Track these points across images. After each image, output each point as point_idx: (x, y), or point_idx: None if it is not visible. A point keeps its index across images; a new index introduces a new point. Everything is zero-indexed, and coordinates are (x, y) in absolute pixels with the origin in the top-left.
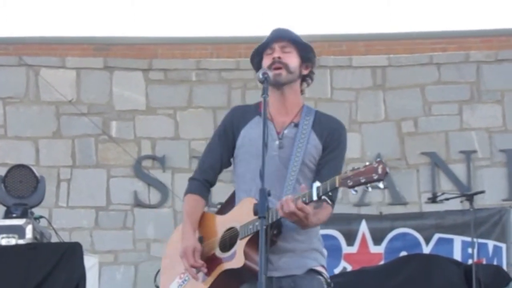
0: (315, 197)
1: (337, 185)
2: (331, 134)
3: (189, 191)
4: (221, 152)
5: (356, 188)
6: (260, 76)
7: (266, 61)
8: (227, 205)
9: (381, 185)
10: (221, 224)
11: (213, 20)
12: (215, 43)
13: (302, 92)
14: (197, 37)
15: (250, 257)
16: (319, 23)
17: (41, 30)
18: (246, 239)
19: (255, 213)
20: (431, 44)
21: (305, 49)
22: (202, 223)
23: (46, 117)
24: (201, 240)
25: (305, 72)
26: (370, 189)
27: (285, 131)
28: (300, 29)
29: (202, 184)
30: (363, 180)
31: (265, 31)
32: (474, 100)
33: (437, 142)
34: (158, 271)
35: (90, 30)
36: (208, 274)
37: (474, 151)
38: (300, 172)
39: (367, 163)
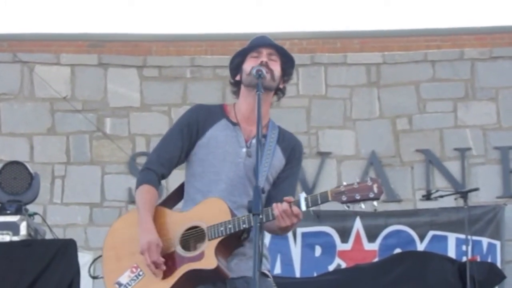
0: (303, 208)
1: (329, 199)
2: (293, 151)
3: (146, 181)
4: (182, 147)
5: (348, 204)
6: (254, 72)
7: (250, 64)
8: (171, 200)
9: (375, 203)
10: (180, 221)
11: (207, 17)
12: (210, 40)
13: (271, 104)
14: (191, 34)
15: (219, 259)
16: (314, 20)
17: (35, 27)
18: (217, 240)
19: (249, 210)
20: (425, 42)
21: (289, 63)
22: (155, 217)
23: (40, 114)
24: None
25: (281, 85)
26: (363, 206)
27: (253, 141)
28: (295, 26)
29: (158, 176)
30: (358, 197)
31: (259, 28)
32: (469, 98)
33: (431, 140)
34: (94, 260)
35: (84, 27)
36: (168, 272)
37: (469, 149)
38: (264, 183)
39: (359, 180)
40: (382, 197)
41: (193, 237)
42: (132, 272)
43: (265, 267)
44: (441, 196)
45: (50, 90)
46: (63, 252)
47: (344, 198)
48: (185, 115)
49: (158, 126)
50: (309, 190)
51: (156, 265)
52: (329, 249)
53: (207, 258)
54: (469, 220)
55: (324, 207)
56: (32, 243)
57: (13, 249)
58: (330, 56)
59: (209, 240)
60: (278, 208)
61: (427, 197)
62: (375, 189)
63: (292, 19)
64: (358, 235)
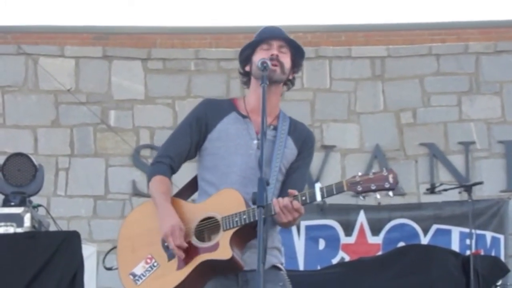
0: (319, 198)
1: (345, 189)
2: (305, 141)
3: (158, 172)
4: (191, 141)
5: (364, 195)
6: (259, 64)
7: (260, 56)
8: (184, 193)
9: (391, 193)
10: (195, 212)
11: (212, 9)
12: (214, 33)
13: (281, 94)
14: (196, 26)
15: (234, 250)
16: (319, 13)
17: (40, 19)
18: (232, 231)
19: (254, 202)
20: (430, 35)
21: (299, 55)
22: None
23: (44, 106)
24: None
25: (290, 76)
26: (378, 196)
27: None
28: (299, 20)
29: (169, 169)
30: (373, 187)
31: (264, 21)
32: (473, 92)
33: (435, 133)
34: (109, 251)
35: (89, 19)
36: (182, 262)
37: (473, 142)
38: (278, 175)
39: (374, 171)
40: None
41: (207, 227)
42: (146, 263)
43: (278, 260)
44: (445, 190)
45: (54, 83)
46: (67, 244)
47: (359, 188)
48: (194, 109)
49: (162, 118)
50: (312, 184)
51: (181, 248)
52: (333, 243)
53: (222, 249)
54: (473, 214)
55: (329, 200)
56: (36, 235)
57: (17, 241)
58: (335, 49)
59: (224, 230)
60: (279, 203)
61: (431, 190)
62: (391, 179)
63: (297, 12)
64: (362, 229)
